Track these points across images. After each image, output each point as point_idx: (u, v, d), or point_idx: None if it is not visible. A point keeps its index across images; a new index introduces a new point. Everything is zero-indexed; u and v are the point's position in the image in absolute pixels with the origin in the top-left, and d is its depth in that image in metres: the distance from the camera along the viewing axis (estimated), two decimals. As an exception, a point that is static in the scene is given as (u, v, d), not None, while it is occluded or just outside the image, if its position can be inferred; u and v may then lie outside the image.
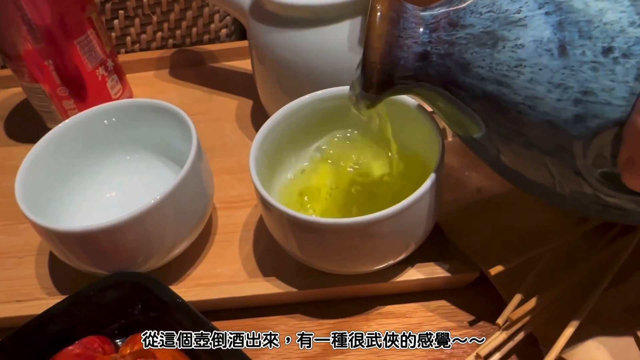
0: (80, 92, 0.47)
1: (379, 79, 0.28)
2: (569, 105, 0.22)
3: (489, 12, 0.25)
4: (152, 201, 0.33)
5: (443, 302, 0.36)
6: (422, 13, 0.28)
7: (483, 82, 0.25)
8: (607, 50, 0.21)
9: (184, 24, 0.57)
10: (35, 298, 0.38)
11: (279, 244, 0.36)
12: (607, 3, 0.22)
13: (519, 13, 0.24)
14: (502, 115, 0.25)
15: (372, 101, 0.29)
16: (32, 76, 0.45)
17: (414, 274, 0.35)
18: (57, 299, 0.38)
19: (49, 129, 0.50)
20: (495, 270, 0.34)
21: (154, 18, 0.56)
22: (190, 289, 0.36)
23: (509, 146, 0.26)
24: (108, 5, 0.54)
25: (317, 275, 0.35)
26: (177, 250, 0.37)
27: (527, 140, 0.25)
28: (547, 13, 0.23)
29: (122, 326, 0.34)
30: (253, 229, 0.41)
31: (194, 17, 0.56)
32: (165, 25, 0.57)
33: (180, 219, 0.35)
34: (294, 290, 0.35)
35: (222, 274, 0.39)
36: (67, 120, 0.39)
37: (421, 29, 0.27)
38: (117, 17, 0.55)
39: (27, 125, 0.54)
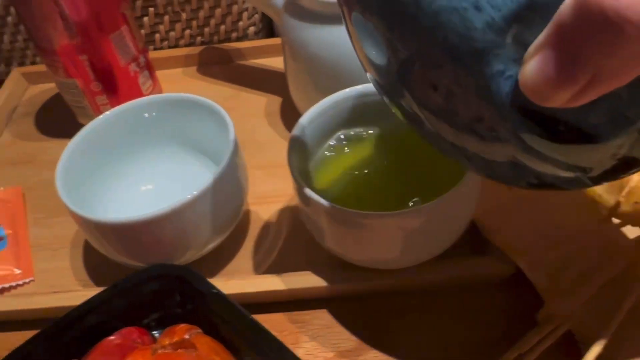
0: (113, 88, 0.47)
1: None
2: None
3: None
4: (190, 196, 0.33)
5: (479, 298, 0.36)
6: None
7: None
8: None
9: (212, 21, 0.57)
10: (70, 290, 0.39)
11: (314, 238, 0.36)
12: None
13: None
14: None
15: None
16: (66, 71, 0.46)
17: (448, 270, 0.35)
18: (93, 290, 0.38)
19: (81, 124, 0.51)
20: (532, 265, 0.34)
21: (183, 15, 0.56)
22: (225, 282, 0.36)
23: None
24: (139, 3, 0.55)
25: (352, 269, 0.35)
26: (214, 244, 0.37)
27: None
28: None
29: (159, 318, 0.34)
30: (285, 224, 0.41)
31: (222, 15, 0.57)
32: (194, 22, 0.57)
33: (218, 213, 0.35)
34: (329, 284, 0.35)
35: (256, 267, 0.39)
36: (106, 113, 0.40)
37: None
38: (147, 14, 0.56)
39: (58, 121, 0.55)
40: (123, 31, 0.46)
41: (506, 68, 0.18)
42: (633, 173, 0.21)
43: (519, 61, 0.16)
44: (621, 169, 0.21)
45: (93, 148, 0.39)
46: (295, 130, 0.36)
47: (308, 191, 0.32)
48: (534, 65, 0.15)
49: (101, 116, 0.40)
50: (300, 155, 0.36)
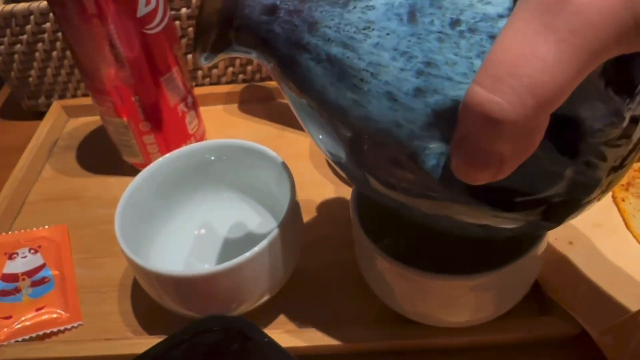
0: (161, 128, 0.47)
1: (216, 21, 0.25)
2: (411, 76, 0.21)
3: None
4: (249, 254, 0.33)
5: (540, 357, 0.35)
6: None
7: (329, 43, 0.23)
8: (455, 23, 0.20)
9: (255, 60, 0.57)
10: (122, 337, 0.38)
11: (370, 289, 0.35)
12: None
13: None
14: (343, 82, 0.23)
15: (209, 55, 0.27)
16: (116, 111, 0.46)
17: (510, 328, 0.34)
18: (145, 338, 0.38)
19: (125, 162, 0.51)
20: (596, 325, 0.33)
21: (227, 54, 0.56)
22: (280, 334, 0.35)
23: (348, 120, 0.24)
24: (184, 41, 0.55)
25: (411, 325, 0.35)
26: (269, 296, 0.36)
27: (366, 114, 0.23)
28: None
29: (216, 371, 0.34)
30: (337, 271, 0.41)
31: (266, 54, 0.57)
32: (238, 60, 0.57)
33: (276, 267, 0.35)
34: (388, 340, 0.35)
35: (310, 318, 0.38)
36: (165, 156, 0.40)
37: None
38: (191, 52, 0.56)
39: (100, 156, 0.55)
40: (174, 72, 0.46)
41: (439, 161, 0.22)
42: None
43: (447, 153, 0.20)
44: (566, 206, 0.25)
45: (149, 192, 0.39)
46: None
47: (376, 249, 0.32)
48: (456, 159, 0.19)
49: (160, 159, 0.40)
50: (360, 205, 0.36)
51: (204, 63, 0.28)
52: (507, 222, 0.25)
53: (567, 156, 0.22)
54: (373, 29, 0.22)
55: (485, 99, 0.17)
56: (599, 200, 0.26)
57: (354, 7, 0.23)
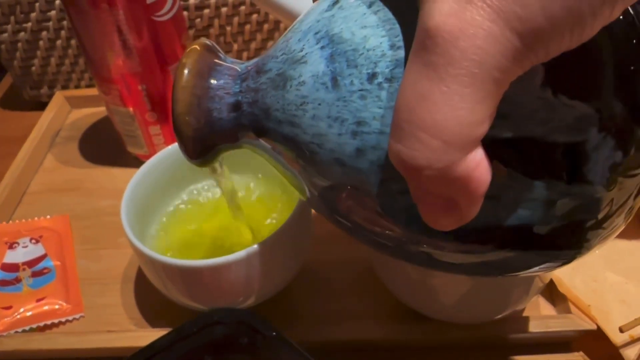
0: (168, 118, 0.47)
1: (192, 133, 0.26)
2: (349, 139, 0.21)
3: (282, 54, 0.24)
4: (257, 245, 0.32)
5: (554, 357, 0.34)
6: (239, 65, 0.27)
7: (280, 125, 0.24)
8: (372, 77, 0.21)
9: (263, 53, 0.56)
10: (125, 329, 0.37)
11: (383, 284, 0.35)
12: (370, 30, 0.21)
13: (302, 51, 0.23)
14: (300, 158, 0.24)
15: (201, 161, 0.28)
16: (122, 100, 0.45)
17: (525, 326, 0.34)
18: (148, 330, 0.37)
19: (128, 153, 0.50)
20: (615, 326, 0.33)
21: (235, 46, 0.56)
22: (290, 329, 0.34)
23: (318, 191, 0.25)
24: (191, 32, 0.55)
25: (425, 321, 0.34)
26: (278, 289, 0.36)
27: (327, 183, 0.23)
28: (322, 47, 0.22)
29: (223, 365, 0.33)
30: (347, 265, 0.40)
31: (274, 48, 0.56)
32: (245, 54, 0.57)
33: (285, 259, 0.34)
34: (403, 335, 0.34)
35: (318, 313, 0.37)
36: (172, 146, 0.39)
37: (234, 80, 0.26)
38: (197, 44, 0.55)
39: (102, 147, 0.54)
40: (182, 62, 0.45)
41: (411, 212, 0.20)
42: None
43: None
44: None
45: (155, 182, 0.38)
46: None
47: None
48: (419, 208, 0.18)
49: (166, 149, 0.39)
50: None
51: (202, 167, 0.29)
52: (513, 259, 0.23)
53: (538, 179, 0.20)
54: (308, 103, 0.22)
55: (395, 150, 0.17)
56: (625, 221, 0.23)
57: (290, 87, 0.23)
